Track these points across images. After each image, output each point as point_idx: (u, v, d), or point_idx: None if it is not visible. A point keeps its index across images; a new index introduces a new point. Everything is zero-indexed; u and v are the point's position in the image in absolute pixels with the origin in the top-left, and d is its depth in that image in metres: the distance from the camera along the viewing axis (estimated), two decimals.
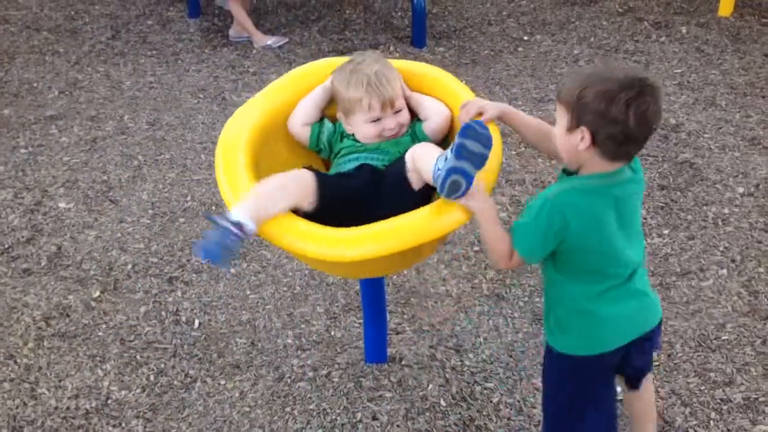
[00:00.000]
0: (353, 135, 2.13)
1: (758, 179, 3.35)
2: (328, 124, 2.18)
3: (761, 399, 2.39)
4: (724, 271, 2.88)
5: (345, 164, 2.11)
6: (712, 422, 2.34)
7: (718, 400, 2.40)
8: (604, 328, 1.85)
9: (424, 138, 2.11)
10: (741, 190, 3.30)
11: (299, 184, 1.92)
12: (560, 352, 1.90)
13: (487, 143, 1.76)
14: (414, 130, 2.14)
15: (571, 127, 1.71)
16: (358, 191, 1.98)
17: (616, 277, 1.82)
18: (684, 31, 4.62)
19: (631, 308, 1.85)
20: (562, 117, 1.74)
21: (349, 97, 2.08)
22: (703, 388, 2.44)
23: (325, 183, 1.96)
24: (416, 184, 1.95)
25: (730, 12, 4.75)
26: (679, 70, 4.23)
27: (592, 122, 1.67)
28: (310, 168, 2.03)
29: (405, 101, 2.14)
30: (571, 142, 1.72)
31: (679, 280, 2.86)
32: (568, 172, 1.83)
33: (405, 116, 2.13)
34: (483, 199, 1.83)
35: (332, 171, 2.14)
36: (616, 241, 1.78)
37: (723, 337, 2.61)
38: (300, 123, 2.17)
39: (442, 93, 2.16)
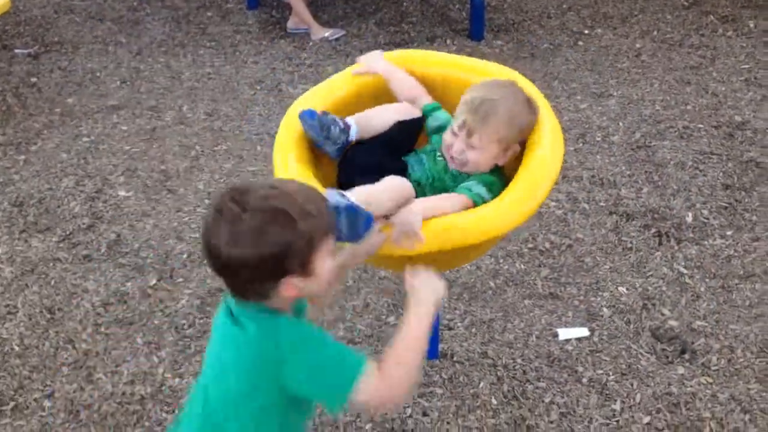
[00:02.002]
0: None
1: None
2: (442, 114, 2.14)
3: None
4: None
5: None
6: None
7: None
8: None
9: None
10: None
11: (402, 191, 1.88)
12: None
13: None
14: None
15: None
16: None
17: None
18: (752, 25, 4.46)
19: None
20: None
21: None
22: (764, 394, 2.36)
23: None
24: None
25: None
26: (746, 66, 4.09)
27: None
28: None
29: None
30: None
31: (742, 282, 2.77)
32: None
33: (474, 155, 1.97)
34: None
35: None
36: None
37: None
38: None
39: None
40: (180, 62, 4.56)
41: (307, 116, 1.98)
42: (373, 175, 1.85)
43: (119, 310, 2.83)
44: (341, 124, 2.01)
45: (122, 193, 3.46)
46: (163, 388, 2.52)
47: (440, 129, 2.09)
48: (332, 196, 1.65)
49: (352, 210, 1.65)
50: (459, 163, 1.99)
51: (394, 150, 2.07)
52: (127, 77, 4.42)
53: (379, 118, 2.08)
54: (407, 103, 2.14)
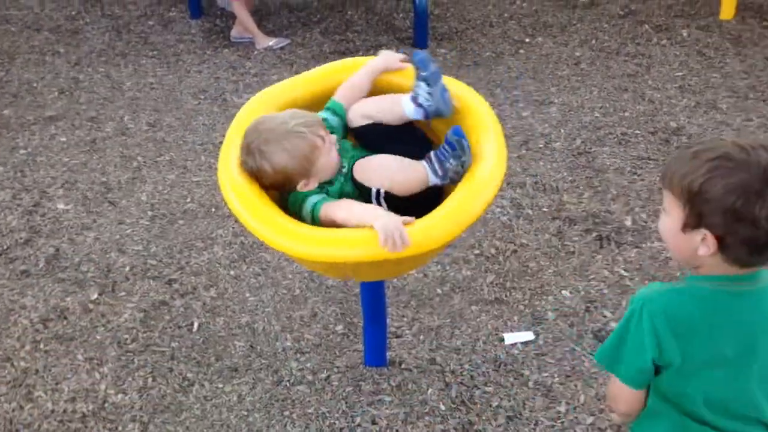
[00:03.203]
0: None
1: None
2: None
3: None
4: None
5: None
6: None
7: None
8: None
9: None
10: None
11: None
12: None
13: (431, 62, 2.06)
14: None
15: (688, 227, 1.32)
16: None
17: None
18: (685, 34, 4.61)
19: None
20: (672, 208, 1.35)
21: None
22: None
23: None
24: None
25: (732, 15, 4.73)
26: (680, 74, 4.22)
27: (720, 225, 1.28)
28: None
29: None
30: (688, 243, 1.34)
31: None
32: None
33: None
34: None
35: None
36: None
37: None
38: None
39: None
40: (121, 72, 4.48)
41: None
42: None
43: (59, 326, 2.76)
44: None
45: (61, 206, 3.38)
46: (106, 405, 2.47)
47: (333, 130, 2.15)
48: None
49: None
50: None
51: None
52: (65, 88, 4.33)
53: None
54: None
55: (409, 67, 2.19)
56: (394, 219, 1.80)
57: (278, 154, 1.94)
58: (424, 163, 1.99)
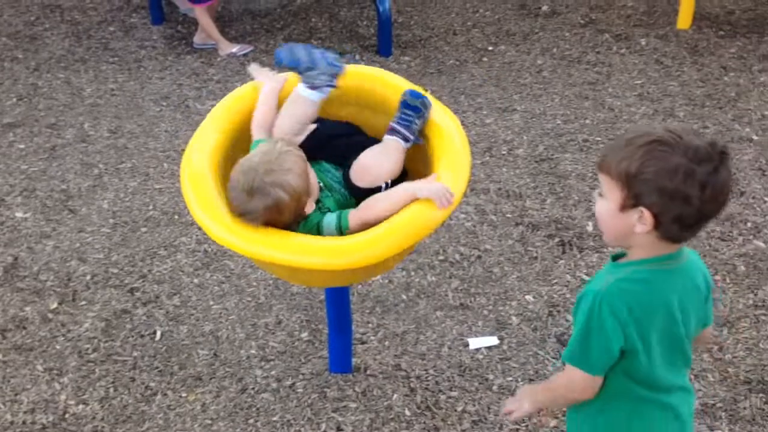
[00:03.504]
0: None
1: None
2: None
3: (719, 405, 2.43)
4: None
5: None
6: None
7: None
8: None
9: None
10: None
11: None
12: None
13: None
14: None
15: (626, 207, 1.43)
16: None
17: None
18: (644, 43, 4.70)
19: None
20: (610, 190, 1.45)
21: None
22: None
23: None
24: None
25: (689, 25, 4.84)
26: (639, 81, 4.30)
27: (656, 203, 1.40)
28: None
29: None
30: (624, 222, 1.45)
31: None
32: (616, 257, 1.57)
33: None
34: (523, 400, 1.68)
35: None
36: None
37: None
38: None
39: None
40: (81, 78, 4.43)
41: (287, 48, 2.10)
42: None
43: (18, 336, 2.71)
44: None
45: (19, 214, 3.32)
46: (66, 415, 2.43)
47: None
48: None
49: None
50: None
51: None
52: (24, 94, 4.26)
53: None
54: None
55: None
56: (428, 183, 1.91)
57: (287, 176, 1.86)
58: (390, 137, 2.04)
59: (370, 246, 1.85)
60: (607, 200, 1.47)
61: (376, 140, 2.11)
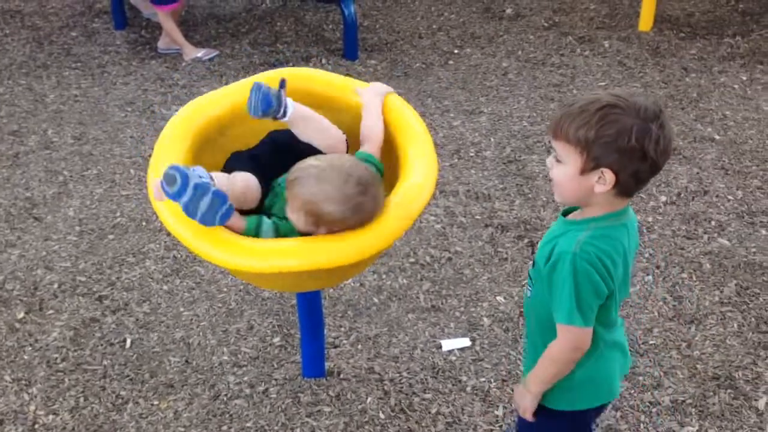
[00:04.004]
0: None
1: (679, 188, 3.48)
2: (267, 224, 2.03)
3: (688, 401, 2.48)
4: (650, 277, 2.97)
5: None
6: (642, 425, 2.40)
7: (647, 404, 2.47)
8: (607, 377, 1.77)
9: None
10: (663, 198, 3.42)
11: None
12: (560, 409, 1.77)
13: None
14: None
15: (587, 170, 1.55)
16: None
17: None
18: (606, 45, 4.77)
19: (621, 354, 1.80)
20: (568, 155, 1.56)
21: (333, 219, 1.90)
22: (632, 391, 2.51)
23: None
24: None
25: (650, 27, 4.93)
26: (603, 83, 4.36)
27: (616, 163, 1.52)
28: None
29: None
30: (584, 184, 1.57)
31: None
32: (566, 212, 1.71)
33: None
34: (525, 393, 1.78)
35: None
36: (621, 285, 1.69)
37: (650, 342, 2.69)
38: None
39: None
40: (43, 84, 4.36)
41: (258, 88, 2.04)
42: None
43: None
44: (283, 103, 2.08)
45: None
46: (36, 426, 2.39)
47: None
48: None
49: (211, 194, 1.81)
50: None
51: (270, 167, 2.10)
52: None
53: (314, 127, 2.13)
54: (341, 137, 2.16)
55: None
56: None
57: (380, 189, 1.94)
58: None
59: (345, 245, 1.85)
60: (565, 165, 1.58)
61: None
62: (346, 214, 1.86)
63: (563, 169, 1.58)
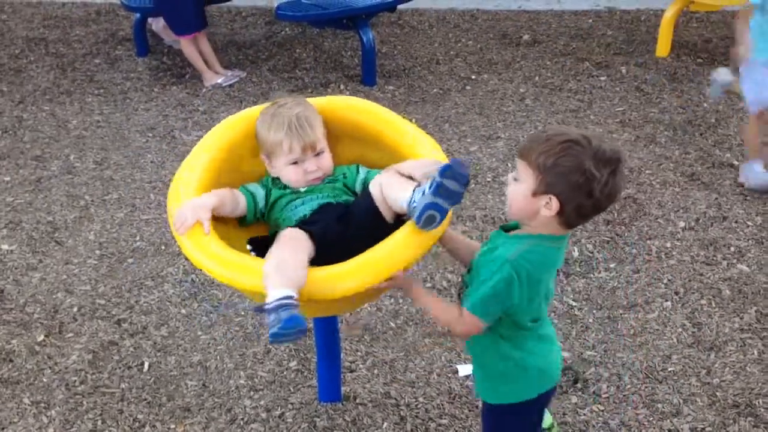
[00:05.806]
0: (281, 182, 2.10)
1: (698, 213, 3.46)
2: (257, 189, 2.09)
3: (707, 429, 2.44)
4: (669, 303, 2.95)
5: (294, 211, 2.06)
6: None
7: (667, 431, 2.44)
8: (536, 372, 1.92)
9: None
10: (682, 224, 3.40)
11: (300, 242, 1.89)
12: (510, 402, 1.93)
13: (465, 182, 1.78)
14: (366, 177, 2.11)
15: (538, 192, 1.69)
16: (334, 233, 1.95)
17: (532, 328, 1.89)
18: (624, 71, 4.78)
19: (554, 347, 1.96)
20: (526, 176, 1.70)
21: (270, 140, 2.06)
22: (651, 419, 2.49)
23: (314, 234, 1.93)
24: (388, 216, 1.94)
25: (667, 53, 4.94)
26: (620, 109, 4.37)
27: (564, 193, 1.66)
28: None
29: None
30: (533, 205, 1.71)
31: (626, 312, 2.92)
32: (507, 228, 1.84)
33: (326, 159, 2.09)
34: (407, 282, 1.89)
35: (280, 219, 2.07)
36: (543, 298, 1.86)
37: (669, 369, 2.67)
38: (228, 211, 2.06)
39: (383, 125, 2.18)
40: (66, 110, 4.43)
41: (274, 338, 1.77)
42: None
43: (4, 369, 2.68)
44: (285, 303, 1.79)
45: (5, 246, 3.31)
46: None
47: (272, 185, 2.13)
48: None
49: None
50: (323, 174, 2.10)
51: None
52: (9, 126, 4.26)
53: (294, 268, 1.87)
54: None
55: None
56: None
57: None
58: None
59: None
60: (521, 184, 1.72)
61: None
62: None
63: (518, 187, 1.72)
